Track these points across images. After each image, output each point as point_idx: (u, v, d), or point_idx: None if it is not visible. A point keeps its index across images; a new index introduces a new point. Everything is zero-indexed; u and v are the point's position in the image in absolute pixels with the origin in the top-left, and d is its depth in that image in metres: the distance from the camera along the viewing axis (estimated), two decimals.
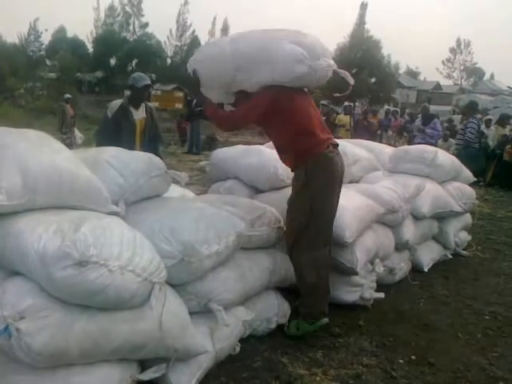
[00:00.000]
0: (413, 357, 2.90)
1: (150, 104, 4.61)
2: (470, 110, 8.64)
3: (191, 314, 2.45)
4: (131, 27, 48.13)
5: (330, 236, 3.05)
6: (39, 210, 2.27)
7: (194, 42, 45.43)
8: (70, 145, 11.35)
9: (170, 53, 47.69)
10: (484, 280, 4.44)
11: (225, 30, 48.57)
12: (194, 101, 13.13)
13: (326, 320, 2.99)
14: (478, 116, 11.87)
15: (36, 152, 2.38)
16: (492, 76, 64.57)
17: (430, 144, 6.88)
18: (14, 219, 2.20)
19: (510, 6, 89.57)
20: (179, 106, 31.74)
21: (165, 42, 47.57)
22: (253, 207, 3.03)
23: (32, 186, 2.23)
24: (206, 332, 2.49)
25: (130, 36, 47.60)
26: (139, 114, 4.35)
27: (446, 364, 2.85)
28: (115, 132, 4.11)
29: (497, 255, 5.27)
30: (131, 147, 3.57)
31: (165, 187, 2.96)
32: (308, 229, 2.90)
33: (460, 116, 15.46)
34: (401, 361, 2.84)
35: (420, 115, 10.17)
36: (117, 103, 4.34)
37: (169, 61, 46.71)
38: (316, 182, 2.89)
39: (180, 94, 34.29)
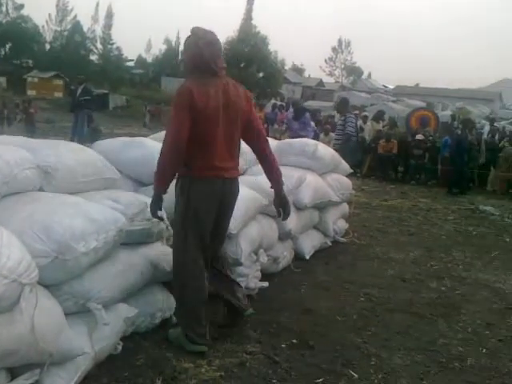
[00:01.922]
0: (294, 341, 3.02)
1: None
2: (342, 106, 9.03)
3: (69, 314, 2.32)
4: (4, 8, 44.14)
5: (199, 255, 2.77)
6: None
7: (76, 28, 42.96)
8: None
9: (48, 38, 44.59)
10: (360, 264, 4.77)
11: (109, 16, 46.54)
12: (79, 90, 12.43)
13: (204, 348, 2.72)
14: (356, 112, 12.67)
15: None
16: (369, 75, 69.22)
17: (301, 137, 7.17)
18: None
19: (386, 9, 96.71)
20: (59, 94, 29.95)
21: (43, 27, 44.35)
22: (134, 201, 2.93)
23: None
24: (85, 332, 2.37)
25: (3, 18, 43.64)
26: None
27: (325, 346, 3.01)
28: None
29: (371, 241, 5.70)
30: None
31: (38, 181, 2.77)
32: (178, 236, 2.79)
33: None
34: (283, 346, 2.95)
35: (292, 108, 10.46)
36: None
37: (48, 46, 43.66)
38: (189, 197, 2.72)
39: (60, 82, 32.33)
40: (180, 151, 2.65)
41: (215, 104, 2.64)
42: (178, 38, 52.37)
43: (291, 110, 11.89)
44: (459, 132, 11.07)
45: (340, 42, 63.95)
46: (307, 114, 9.71)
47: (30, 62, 34.81)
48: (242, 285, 3.51)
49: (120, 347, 2.63)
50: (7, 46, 41.30)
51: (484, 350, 3.15)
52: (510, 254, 5.68)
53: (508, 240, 6.44)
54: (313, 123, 11.90)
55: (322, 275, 4.35)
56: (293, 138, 7.38)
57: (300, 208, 4.55)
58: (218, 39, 2.78)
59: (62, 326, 2.21)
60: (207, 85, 2.66)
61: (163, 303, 3.01)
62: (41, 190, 2.81)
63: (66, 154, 3.04)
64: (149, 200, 3.02)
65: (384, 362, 2.90)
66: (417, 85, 55.69)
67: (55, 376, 2.20)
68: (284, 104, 17.80)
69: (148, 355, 2.69)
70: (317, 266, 4.56)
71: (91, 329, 2.40)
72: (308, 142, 5.18)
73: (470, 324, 3.54)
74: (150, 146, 3.86)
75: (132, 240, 2.83)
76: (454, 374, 2.84)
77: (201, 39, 2.69)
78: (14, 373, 2.14)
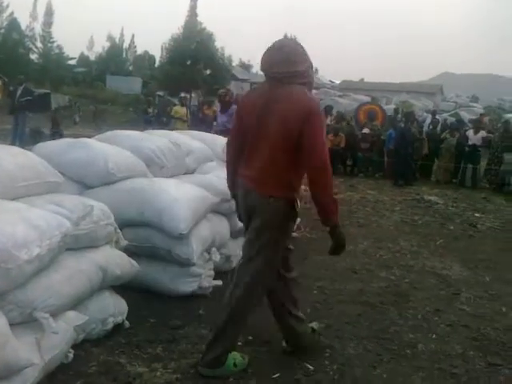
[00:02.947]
0: (250, 338, 3.03)
1: None
2: None
3: (15, 325, 2.22)
4: None
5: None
6: None
7: (13, 25, 41.11)
8: None
9: None
10: (312, 258, 4.83)
11: (49, 14, 44.88)
12: (19, 91, 11.94)
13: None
14: None
15: None
16: (316, 71, 70.28)
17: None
18: None
19: (331, 6, 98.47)
20: None
21: None
22: (79, 204, 2.83)
23: None
24: (32, 343, 2.27)
25: None
26: None
27: (280, 341, 3.02)
28: None
29: (323, 234, 5.71)
30: None
31: None
32: None
33: None
34: (239, 343, 2.94)
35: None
36: None
37: None
38: None
39: None
40: (228, 153, 2.82)
41: (251, 111, 2.55)
42: (121, 34, 51.26)
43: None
44: (402, 125, 11.42)
45: (286, 37, 64.50)
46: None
47: None
48: (196, 284, 3.50)
49: (71, 355, 2.54)
50: None
51: (434, 336, 3.26)
52: (454, 242, 5.92)
53: (452, 228, 6.71)
54: None
55: None
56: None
57: None
58: (285, 45, 2.54)
59: (7, 337, 2.10)
60: (256, 90, 2.71)
61: (114, 308, 2.92)
62: None
63: (4, 157, 2.90)
64: (94, 202, 2.94)
65: (338, 352, 2.95)
66: (362, 79, 57.08)
67: None
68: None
69: (100, 362, 2.61)
70: None
71: (39, 339, 2.30)
72: None
73: (420, 311, 3.66)
74: (94, 147, 3.76)
75: (79, 245, 2.74)
76: (405, 360, 2.92)
77: (271, 45, 2.57)
78: None
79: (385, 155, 11.45)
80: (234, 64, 45.38)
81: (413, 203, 8.40)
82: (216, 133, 6.45)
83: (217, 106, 12.08)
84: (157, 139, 4.43)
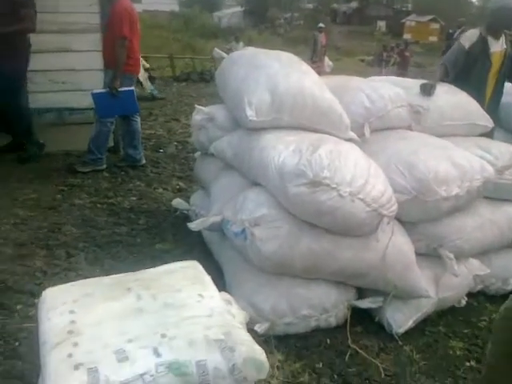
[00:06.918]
0: None
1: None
2: None
3: (417, 255, 2.32)
4: None
5: None
6: (282, 128, 2.38)
7: None
8: (319, 73, 11.56)
9: None
10: None
11: None
12: (456, 34, 11.98)
13: None
14: None
15: (286, 73, 2.49)
16: None
17: None
18: (259, 135, 2.36)
19: None
20: (433, 39, 29.60)
21: None
22: (506, 153, 2.62)
23: (278, 104, 2.35)
24: (431, 277, 2.34)
25: None
26: (498, 46, 3.46)
27: None
28: (467, 67, 3.45)
29: None
30: (480, 86, 3.32)
31: (408, 120, 2.78)
32: None
33: None
34: None
35: None
36: (474, 33, 3.52)
37: None
38: None
39: (436, 26, 31.79)
40: None
41: None
42: None
43: None
44: None
45: None
46: None
47: (409, 5, 35.25)
48: None
49: (464, 302, 2.51)
50: None
51: None
52: None
53: None
54: None
55: None
56: None
57: None
58: None
59: (411, 263, 2.23)
60: None
61: None
62: (408, 128, 2.82)
63: (439, 94, 2.95)
64: None
65: None
66: None
67: (396, 309, 2.27)
68: None
69: (491, 320, 2.47)
70: None
71: (438, 275, 2.34)
72: None
73: None
74: None
75: (496, 195, 2.58)
76: None
77: None
78: (360, 295, 2.32)
79: None
80: None
81: None
82: None
83: None
84: None
